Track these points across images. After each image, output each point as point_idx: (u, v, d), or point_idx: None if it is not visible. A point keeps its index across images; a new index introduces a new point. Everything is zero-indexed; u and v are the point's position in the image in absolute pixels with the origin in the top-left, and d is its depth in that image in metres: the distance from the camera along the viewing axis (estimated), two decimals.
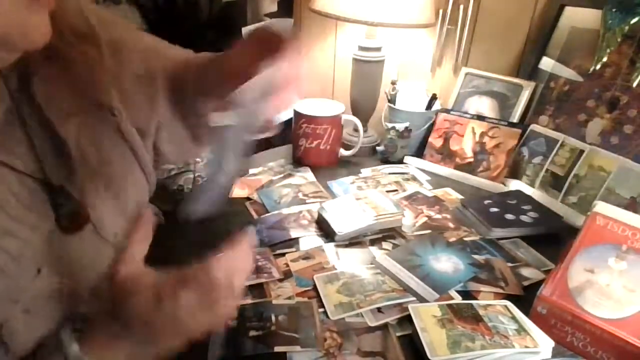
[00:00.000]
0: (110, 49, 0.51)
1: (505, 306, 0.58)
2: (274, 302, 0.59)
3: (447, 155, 0.99)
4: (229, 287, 0.41)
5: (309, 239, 0.74)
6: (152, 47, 0.61)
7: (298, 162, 1.00)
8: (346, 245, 0.72)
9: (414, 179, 0.96)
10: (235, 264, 0.42)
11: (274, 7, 1.28)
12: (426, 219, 0.80)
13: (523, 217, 0.78)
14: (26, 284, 0.40)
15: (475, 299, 0.61)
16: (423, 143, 1.04)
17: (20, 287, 0.39)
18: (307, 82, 0.49)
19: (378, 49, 1.02)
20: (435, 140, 1.01)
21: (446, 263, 0.67)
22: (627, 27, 0.80)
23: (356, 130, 1.01)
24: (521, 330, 0.53)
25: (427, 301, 0.60)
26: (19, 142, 0.41)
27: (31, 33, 0.37)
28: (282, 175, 0.94)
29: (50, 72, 0.45)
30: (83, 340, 0.38)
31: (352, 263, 0.68)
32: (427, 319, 0.54)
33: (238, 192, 0.88)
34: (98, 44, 0.49)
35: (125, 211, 0.52)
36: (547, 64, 0.94)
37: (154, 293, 0.39)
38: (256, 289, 0.61)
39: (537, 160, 0.90)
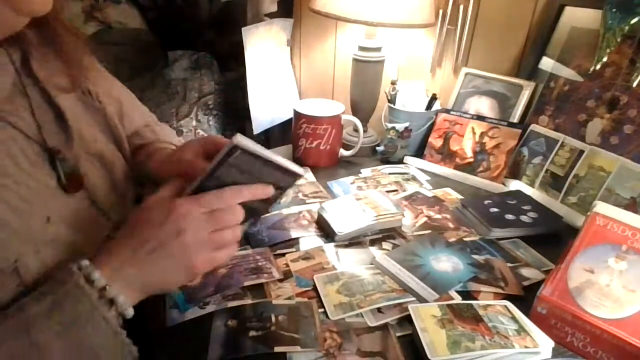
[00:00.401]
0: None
1: (505, 306, 0.58)
2: (274, 302, 0.59)
3: (447, 155, 0.99)
4: (235, 217, 0.46)
5: (309, 239, 0.74)
6: (126, 93, 0.70)
7: (298, 162, 1.00)
8: (346, 246, 0.72)
9: (414, 179, 0.96)
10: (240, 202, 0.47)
11: (274, 7, 1.28)
12: (426, 219, 0.80)
13: (523, 217, 0.78)
14: (37, 228, 0.45)
15: (475, 299, 0.61)
16: (423, 143, 1.04)
17: (32, 229, 0.45)
18: None
19: (378, 49, 1.02)
20: (435, 140, 1.01)
21: (446, 263, 0.67)
22: (627, 27, 0.80)
23: (356, 130, 1.01)
24: (521, 330, 0.53)
25: (427, 301, 0.60)
26: (23, 110, 0.48)
27: None
28: None
29: (47, 54, 0.52)
30: (93, 260, 0.42)
31: (352, 263, 0.68)
32: (427, 319, 0.54)
33: None
34: (84, 39, 0.55)
35: (117, 188, 0.58)
36: (547, 64, 0.94)
37: (168, 205, 0.44)
38: (256, 289, 0.61)
39: (537, 160, 0.90)
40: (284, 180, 0.50)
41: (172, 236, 0.42)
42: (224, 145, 0.44)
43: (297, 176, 0.50)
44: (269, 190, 0.49)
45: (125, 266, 0.42)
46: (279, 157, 0.47)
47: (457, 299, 0.61)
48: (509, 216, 0.78)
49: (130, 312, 0.42)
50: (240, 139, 0.42)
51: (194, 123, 1.37)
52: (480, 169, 0.95)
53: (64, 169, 0.49)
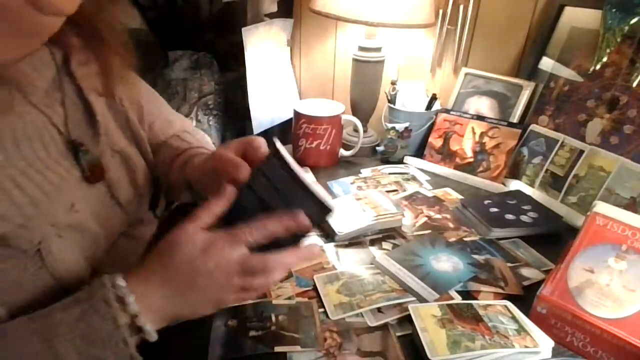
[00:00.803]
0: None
1: (505, 306, 0.58)
2: (274, 302, 0.59)
3: (447, 155, 0.99)
4: (272, 264, 0.45)
5: (309, 239, 0.74)
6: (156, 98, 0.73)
7: (298, 162, 1.00)
8: (346, 245, 0.72)
9: (414, 179, 0.96)
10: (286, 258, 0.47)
11: (274, 7, 1.28)
12: (426, 219, 0.80)
13: (523, 217, 0.78)
14: (62, 213, 0.48)
15: (475, 299, 0.61)
16: (423, 143, 1.04)
17: (58, 214, 0.47)
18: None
19: (378, 49, 1.02)
20: (435, 141, 1.01)
21: (446, 263, 0.67)
22: (627, 27, 0.80)
23: (356, 130, 1.01)
24: (521, 330, 0.53)
25: (427, 301, 0.60)
26: (57, 103, 0.51)
27: None
28: None
29: (89, 58, 0.54)
30: (126, 278, 0.42)
31: (352, 263, 0.68)
32: (427, 319, 0.54)
33: None
34: (129, 51, 0.57)
35: (136, 187, 0.60)
36: (547, 64, 0.94)
37: (204, 242, 0.43)
38: None
39: (537, 160, 0.90)
40: (312, 209, 0.46)
41: (204, 273, 0.42)
42: (258, 143, 0.47)
43: (326, 209, 0.46)
44: (300, 218, 0.45)
45: (157, 296, 0.42)
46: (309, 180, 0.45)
47: (457, 299, 0.61)
48: (509, 216, 0.78)
49: (154, 338, 0.42)
50: (276, 141, 0.44)
51: (194, 123, 1.37)
52: (480, 169, 0.95)
53: (85, 160, 0.51)
